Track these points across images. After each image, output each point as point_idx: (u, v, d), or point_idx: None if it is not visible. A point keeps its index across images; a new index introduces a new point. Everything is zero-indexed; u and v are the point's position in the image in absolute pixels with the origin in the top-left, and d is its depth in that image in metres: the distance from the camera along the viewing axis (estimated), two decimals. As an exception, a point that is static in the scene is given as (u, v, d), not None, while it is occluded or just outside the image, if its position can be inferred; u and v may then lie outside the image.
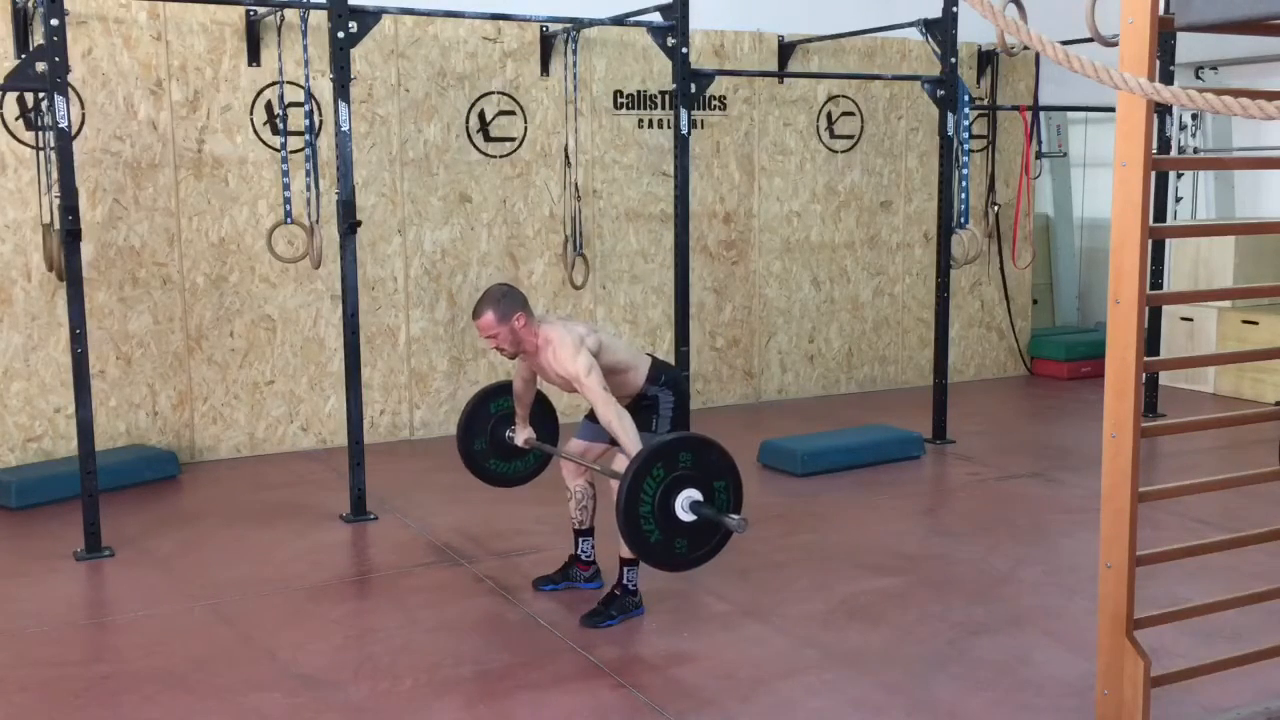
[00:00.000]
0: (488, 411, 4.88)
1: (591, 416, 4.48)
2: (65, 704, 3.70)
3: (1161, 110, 6.87)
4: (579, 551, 4.69)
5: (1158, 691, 3.09)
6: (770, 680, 3.83)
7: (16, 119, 6.11)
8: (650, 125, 7.74)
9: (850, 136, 8.48)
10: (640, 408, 4.33)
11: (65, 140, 4.87)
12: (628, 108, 7.65)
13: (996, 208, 8.97)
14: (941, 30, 6.81)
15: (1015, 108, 8.76)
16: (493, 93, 7.25)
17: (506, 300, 4.21)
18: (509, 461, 4.95)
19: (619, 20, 6.63)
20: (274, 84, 6.52)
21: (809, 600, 4.56)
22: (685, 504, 3.85)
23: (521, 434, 4.75)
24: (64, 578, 4.86)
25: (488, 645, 4.13)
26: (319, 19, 6.24)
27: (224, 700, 3.70)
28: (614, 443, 4.24)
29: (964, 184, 7.18)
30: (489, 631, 4.27)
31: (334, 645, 4.17)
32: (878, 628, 4.28)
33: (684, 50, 6.17)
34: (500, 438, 4.87)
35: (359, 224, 5.56)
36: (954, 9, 6.72)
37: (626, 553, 4.30)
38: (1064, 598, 4.55)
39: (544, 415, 4.90)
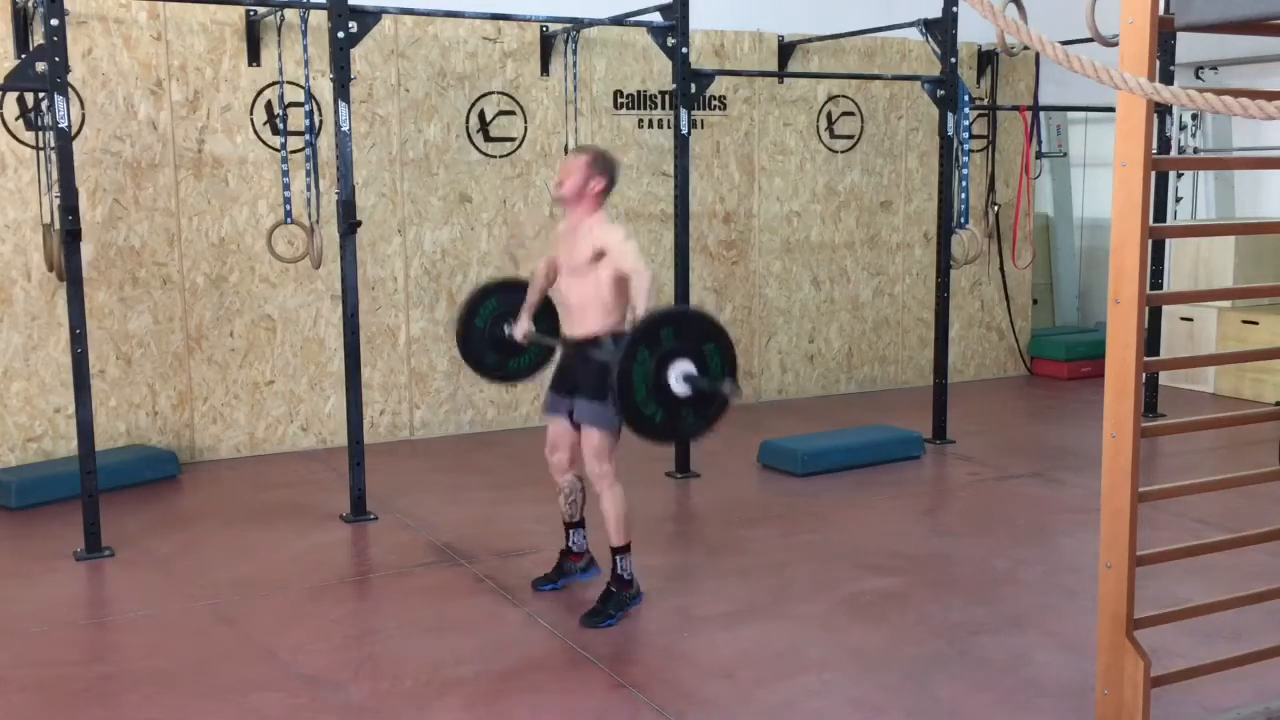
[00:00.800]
0: (475, 326, 4.90)
1: (555, 387, 4.48)
2: (65, 704, 3.70)
3: (1161, 110, 6.87)
4: (570, 544, 4.69)
5: (1158, 691, 3.09)
6: (770, 680, 3.83)
7: (16, 119, 6.11)
8: (650, 125, 7.74)
9: (850, 136, 8.48)
10: (594, 371, 4.23)
11: (65, 140, 4.87)
12: (628, 108, 7.65)
13: (996, 208, 8.97)
14: (941, 30, 6.81)
15: (1015, 108, 8.76)
16: (493, 93, 7.25)
17: (606, 164, 4.30)
18: (509, 356, 4.94)
19: (619, 20, 6.63)
20: (274, 84, 6.52)
21: (809, 600, 4.56)
22: (679, 377, 3.88)
23: (522, 327, 4.75)
24: (64, 578, 4.86)
25: (488, 645, 4.13)
26: (319, 19, 6.23)
27: (224, 700, 3.70)
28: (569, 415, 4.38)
29: (964, 184, 7.18)
30: (489, 631, 4.27)
31: (334, 645, 4.17)
32: (878, 628, 4.28)
33: (684, 50, 6.17)
34: (499, 335, 4.87)
35: (359, 224, 5.56)
36: (954, 9, 6.72)
37: (617, 541, 4.33)
38: (1064, 598, 4.55)
39: (546, 312, 4.91)
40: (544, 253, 4.85)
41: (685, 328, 3.98)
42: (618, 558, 4.37)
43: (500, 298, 4.94)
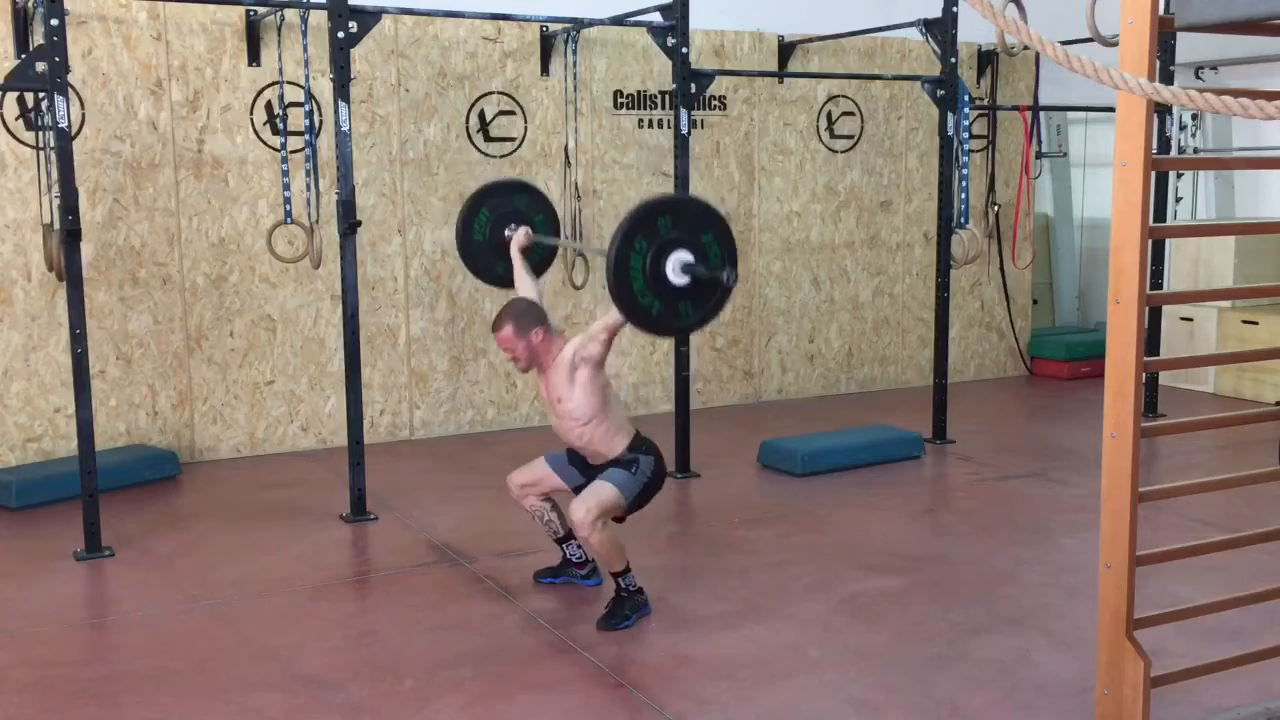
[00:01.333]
0: (475, 241, 5.01)
1: (570, 460, 4.50)
2: (65, 704, 3.70)
3: (1161, 110, 6.87)
4: (569, 556, 4.70)
5: (1158, 691, 3.09)
6: (770, 680, 3.83)
7: (16, 119, 6.11)
8: (650, 125, 7.74)
9: (850, 136, 8.48)
10: (620, 462, 4.33)
11: (65, 140, 4.87)
12: (628, 108, 7.65)
13: (996, 208, 8.97)
14: (941, 30, 6.81)
15: (1015, 108, 8.76)
16: (493, 93, 7.25)
17: (526, 315, 4.33)
18: (498, 257, 5.02)
19: (619, 20, 6.63)
20: (274, 84, 6.52)
21: (809, 600, 4.56)
22: (676, 267, 3.84)
23: (520, 234, 4.85)
24: (64, 578, 4.86)
25: (488, 645, 4.13)
26: (319, 19, 6.23)
27: (224, 700, 3.70)
28: (577, 489, 4.36)
29: (964, 184, 7.18)
30: (489, 631, 4.27)
31: (334, 645, 4.17)
32: (878, 628, 4.28)
33: (684, 50, 6.17)
34: (501, 241, 4.95)
35: (359, 224, 5.56)
36: (954, 9, 6.72)
37: (616, 568, 4.30)
38: (1064, 598, 4.55)
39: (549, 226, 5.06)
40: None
41: (683, 216, 3.92)
42: (620, 580, 4.35)
43: (490, 204, 5.04)
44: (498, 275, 5.05)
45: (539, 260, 5.07)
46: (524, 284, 4.78)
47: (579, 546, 4.65)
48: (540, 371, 4.41)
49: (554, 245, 5.13)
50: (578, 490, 4.36)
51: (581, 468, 4.47)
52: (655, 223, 3.85)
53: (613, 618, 4.30)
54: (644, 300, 3.86)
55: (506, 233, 4.94)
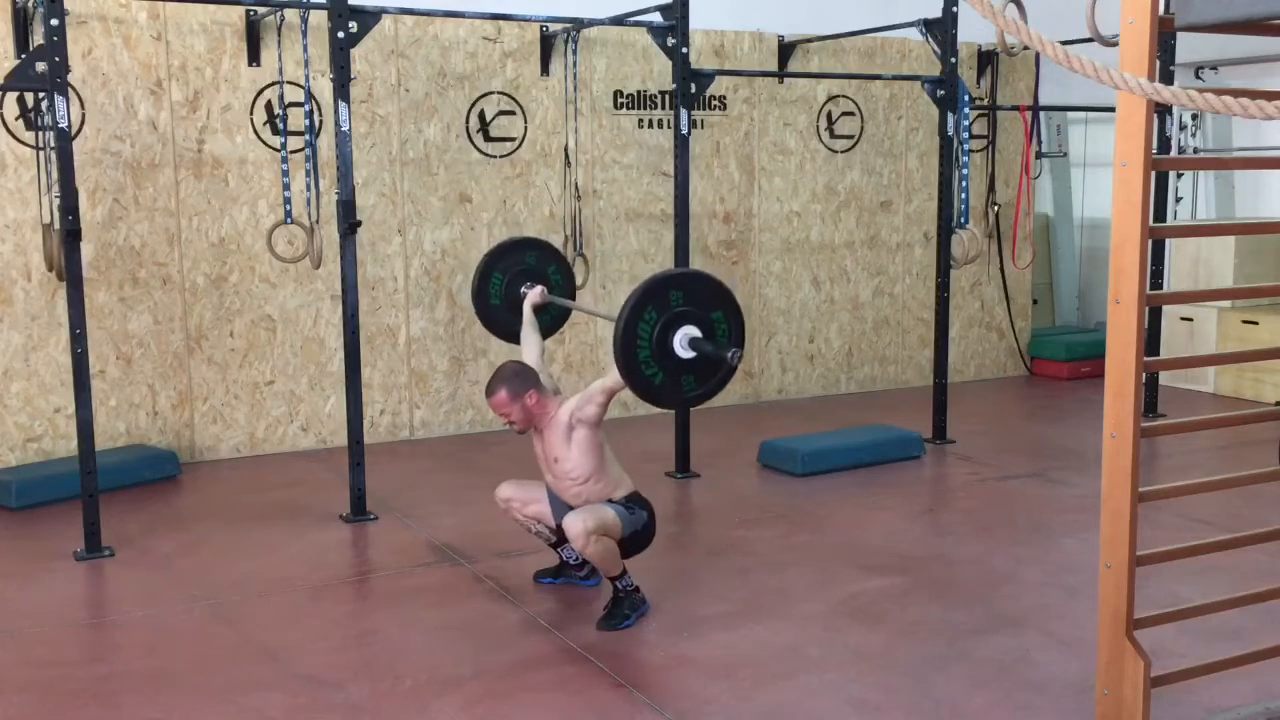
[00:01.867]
0: (523, 258, 5.10)
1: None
2: (65, 704, 3.70)
3: (1161, 110, 6.87)
4: (565, 559, 4.70)
5: (1158, 691, 3.09)
6: (770, 680, 3.83)
7: (16, 119, 6.11)
8: (650, 125, 7.74)
9: (850, 136, 8.48)
10: (615, 502, 4.36)
11: (65, 140, 4.87)
12: (628, 108, 7.65)
13: (996, 208, 8.97)
14: (941, 30, 6.81)
15: (1015, 108, 8.76)
16: (493, 93, 7.25)
17: (519, 378, 4.36)
18: (514, 314, 5.06)
19: (619, 20, 6.63)
20: (274, 84, 6.52)
21: (809, 600, 4.56)
22: (684, 341, 3.90)
23: (535, 294, 4.94)
24: (64, 578, 4.86)
25: (488, 645, 4.13)
26: (319, 19, 6.23)
27: (224, 700, 3.70)
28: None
29: (964, 184, 7.18)
30: (489, 631, 4.27)
31: (334, 645, 4.17)
32: (878, 628, 4.28)
33: (684, 50, 6.17)
34: (516, 298, 5.03)
35: (359, 224, 5.56)
36: (954, 9, 6.72)
37: (613, 573, 4.31)
38: (1064, 598, 4.55)
39: (564, 279, 5.16)
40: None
41: (694, 291, 3.98)
42: (617, 582, 4.36)
43: (501, 266, 5.11)
44: (518, 332, 5.03)
45: (550, 321, 5.14)
46: (529, 342, 4.83)
47: (573, 549, 4.64)
48: (536, 432, 4.45)
49: (568, 308, 5.17)
50: (560, 522, 4.42)
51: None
52: (667, 295, 3.93)
53: (612, 618, 4.30)
54: (648, 370, 3.92)
55: (523, 290, 5.00)
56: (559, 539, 4.61)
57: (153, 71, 6.39)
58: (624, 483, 4.42)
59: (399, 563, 5.02)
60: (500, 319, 5.14)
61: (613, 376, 4.11)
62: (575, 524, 4.17)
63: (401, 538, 5.35)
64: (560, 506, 4.48)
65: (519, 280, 5.07)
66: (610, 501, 4.35)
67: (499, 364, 7.32)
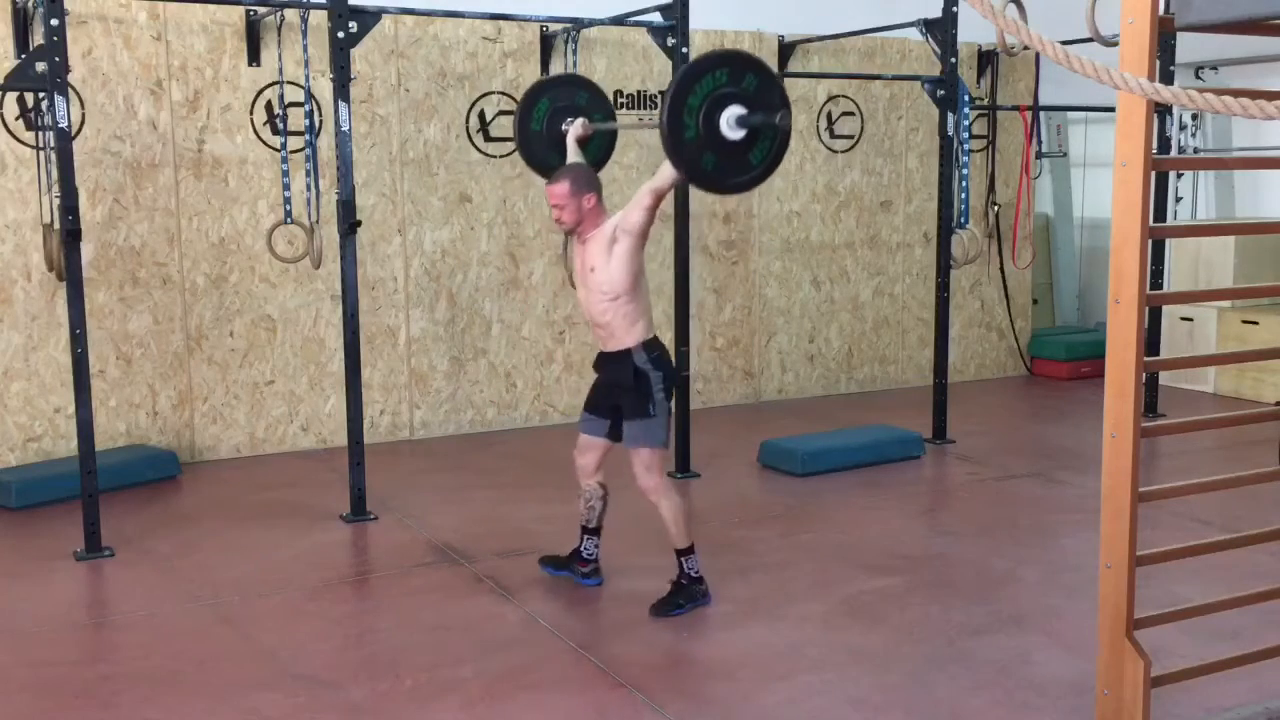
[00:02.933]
0: (537, 113, 5.06)
1: (591, 409, 4.53)
2: (65, 704, 3.70)
3: (1161, 110, 6.87)
4: (581, 547, 4.70)
5: (1158, 691, 3.09)
6: (770, 680, 3.83)
7: (16, 119, 6.11)
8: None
9: (850, 136, 8.48)
10: (633, 389, 4.34)
11: (65, 140, 4.87)
12: (628, 108, 7.65)
13: (996, 208, 8.96)
14: (941, 30, 6.81)
15: (1015, 108, 8.76)
16: (493, 93, 7.25)
17: (586, 178, 4.37)
18: (578, 153, 4.98)
19: (619, 20, 6.63)
20: (274, 84, 6.52)
21: (809, 600, 4.56)
22: (730, 121, 3.86)
23: (577, 125, 4.85)
24: (64, 578, 4.86)
25: (488, 645, 4.13)
26: (319, 19, 6.23)
27: (224, 700, 3.70)
28: (610, 434, 4.47)
29: (964, 184, 7.18)
30: (489, 631, 4.27)
31: (334, 645, 4.18)
32: (878, 628, 4.28)
33: (684, 50, 6.17)
34: (558, 133, 4.98)
35: (359, 224, 5.56)
36: (954, 9, 6.72)
37: (680, 544, 4.37)
38: (1064, 598, 4.55)
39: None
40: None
41: (722, 67, 3.92)
42: (683, 560, 4.41)
43: (551, 95, 5.09)
44: (551, 167, 4.95)
45: (594, 155, 5.08)
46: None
47: (596, 546, 4.69)
48: (579, 240, 4.40)
49: (612, 130, 5.14)
50: (610, 435, 4.47)
51: (602, 411, 4.49)
52: (704, 79, 3.85)
53: (666, 605, 4.34)
54: (705, 161, 3.88)
55: (564, 126, 4.95)
56: (596, 528, 4.64)
57: (153, 71, 6.39)
58: (647, 318, 4.38)
59: (399, 563, 5.02)
60: (537, 149, 5.08)
61: (660, 176, 4.09)
62: (640, 477, 4.33)
63: (401, 537, 5.35)
64: (594, 423, 4.52)
65: (563, 115, 5.00)
66: (628, 402, 4.33)
67: (498, 363, 7.39)
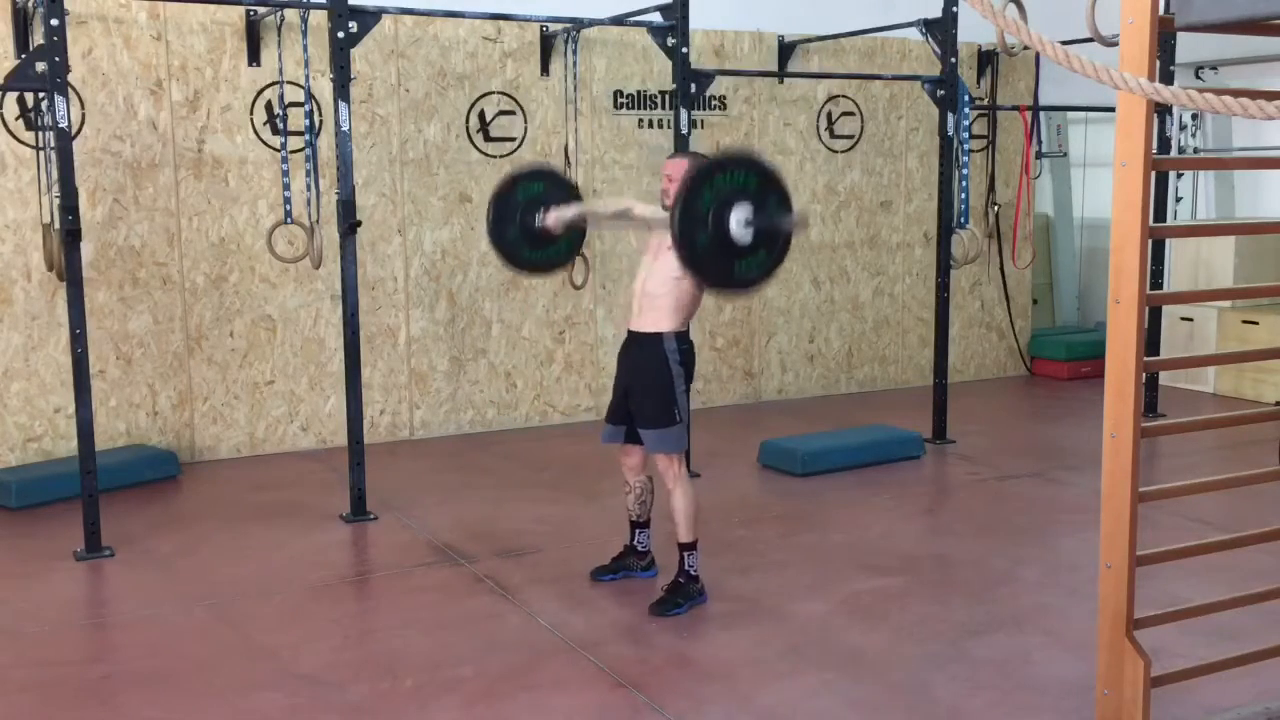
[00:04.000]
0: (515, 200, 4.87)
1: (613, 419, 4.57)
2: (65, 704, 3.70)
3: (1161, 110, 6.87)
4: (635, 543, 4.75)
5: (1158, 691, 3.09)
6: (770, 680, 3.83)
7: (16, 119, 6.11)
8: (650, 125, 7.73)
9: (850, 136, 8.48)
10: (654, 388, 4.38)
11: (65, 140, 4.87)
12: (628, 108, 7.65)
13: (996, 208, 8.96)
14: (941, 30, 6.81)
15: (1015, 108, 8.76)
16: (493, 93, 7.25)
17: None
18: (541, 250, 4.93)
19: (619, 20, 6.63)
20: (274, 84, 6.52)
21: (809, 600, 4.56)
22: (741, 223, 3.83)
23: (553, 213, 4.77)
24: (64, 578, 4.86)
25: (488, 645, 4.13)
26: (319, 19, 6.23)
27: (224, 700, 3.70)
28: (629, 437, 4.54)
29: (964, 184, 7.17)
30: (489, 631, 4.27)
31: (334, 645, 4.17)
32: (878, 628, 4.28)
33: (684, 50, 6.17)
34: (530, 225, 4.85)
35: (359, 224, 5.56)
36: (954, 9, 6.72)
37: (685, 537, 4.41)
38: (1064, 598, 4.55)
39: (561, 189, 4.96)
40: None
41: (734, 173, 3.90)
42: (685, 554, 4.45)
43: (507, 219, 4.91)
44: (523, 259, 4.95)
45: (567, 248, 5.03)
46: (612, 218, 4.90)
47: (648, 537, 4.74)
48: (668, 208, 4.38)
49: (585, 222, 5.00)
50: (630, 437, 4.53)
51: (620, 419, 4.53)
52: (710, 185, 3.83)
53: (665, 604, 4.36)
54: (722, 264, 3.87)
55: (537, 219, 4.83)
56: (645, 520, 4.70)
57: (153, 71, 6.39)
58: (690, 314, 4.42)
59: (399, 562, 5.02)
60: (542, 262, 5.01)
61: (648, 211, 4.22)
62: (659, 462, 4.40)
63: (401, 537, 5.35)
64: (614, 433, 4.56)
65: (534, 208, 4.83)
66: (650, 407, 4.37)
67: (498, 363, 7.39)
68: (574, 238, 5.00)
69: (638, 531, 4.74)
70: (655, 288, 4.38)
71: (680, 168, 4.34)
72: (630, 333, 4.51)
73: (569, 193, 5.02)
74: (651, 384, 4.39)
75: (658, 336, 4.38)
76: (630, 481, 4.68)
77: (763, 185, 3.89)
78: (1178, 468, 6.32)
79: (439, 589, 4.70)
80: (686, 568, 4.45)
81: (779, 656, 4.03)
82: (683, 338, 4.42)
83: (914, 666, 3.94)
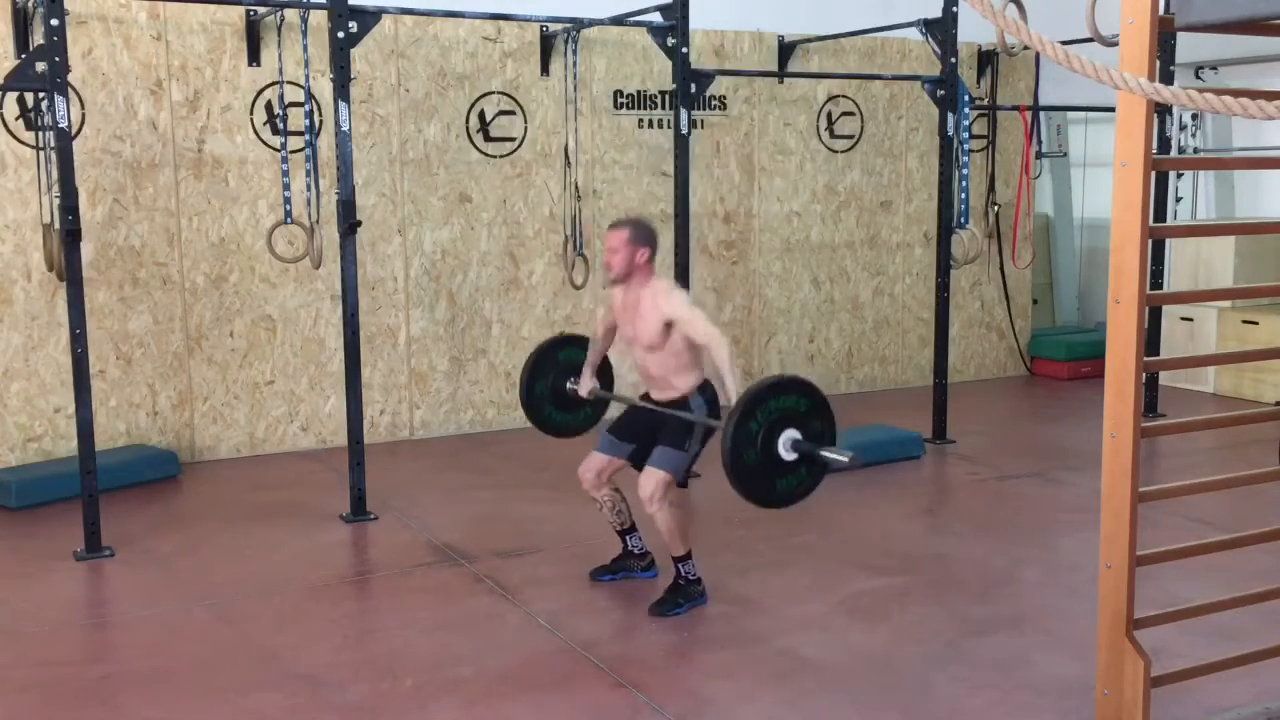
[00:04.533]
0: (556, 358, 4.91)
1: (613, 429, 4.55)
2: (65, 704, 3.70)
3: (1161, 110, 6.87)
4: (630, 548, 4.74)
5: (1158, 691, 3.09)
6: (770, 680, 3.83)
7: (16, 119, 6.11)
8: (650, 125, 7.73)
9: (850, 136, 8.48)
10: (678, 425, 4.36)
11: (65, 140, 4.87)
12: (628, 108, 7.65)
13: (996, 208, 8.96)
14: (941, 30, 6.81)
15: (1015, 108, 8.76)
16: (493, 93, 7.25)
17: (646, 233, 4.40)
18: (567, 412, 4.94)
19: (619, 20, 6.63)
20: (274, 84, 6.52)
21: (809, 600, 4.56)
22: (787, 445, 3.90)
23: (586, 384, 4.76)
24: (64, 578, 4.86)
25: (488, 645, 4.13)
26: (319, 19, 6.23)
27: (224, 700, 3.70)
28: (633, 459, 4.46)
29: (964, 184, 7.17)
30: (489, 631, 4.27)
31: (334, 645, 4.17)
32: (878, 628, 4.28)
33: (684, 50, 6.17)
34: (561, 387, 4.88)
35: (359, 224, 5.56)
36: (954, 9, 6.72)
37: (677, 552, 4.40)
38: (1064, 598, 4.55)
39: (604, 376, 4.92)
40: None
41: (788, 398, 4.04)
42: (680, 565, 4.44)
43: (567, 351, 4.95)
44: (553, 423, 4.97)
45: (590, 416, 5.02)
46: (604, 340, 4.78)
47: (640, 539, 4.72)
48: (624, 288, 4.43)
49: (609, 403, 4.99)
50: (633, 461, 4.47)
51: (628, 437, 4.50)
52: (759, 411, 3.91)
53: (665, 605, 4.36)
54: (757, 476, 3.92)
55: (569, 384, 4.84)
56: (630, 526, 4.68)
57: (153, 71, 6.38)
58: (698, 370, 4.41)
59: (399, 563, 5.02)
60: (572, 424, 5.01)
61: (716, 355, 4.15)
62: (645, 488, 4.27)
63: (401, 538, 5.35)
64: (617, 447, 4.52)
65: (568, 374, 4.87)
66: (669, 430, 4.33)
67: (498, 363, 7.38)
68: (597, 408, 4.99)
69: (628, 537, 4.72)
70: (657, 366, 4.38)
71: (618, 238, 4.34)
72: (651, 399, 4.50)
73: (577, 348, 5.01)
74: (673, 421, 4.39)
75: (684, 400, 4.38)
76: (595, 498, 4.63)
77: (813, 408, 4.04)
78: (1178, 468, 6.32)
79: (439, 589, 4.70)
80: (684, 575, 4.44)
81: (779, 656, 4.03)
82: (705, 388, 4.40)
83: (914, 666, 3.94)
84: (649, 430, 4.43)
